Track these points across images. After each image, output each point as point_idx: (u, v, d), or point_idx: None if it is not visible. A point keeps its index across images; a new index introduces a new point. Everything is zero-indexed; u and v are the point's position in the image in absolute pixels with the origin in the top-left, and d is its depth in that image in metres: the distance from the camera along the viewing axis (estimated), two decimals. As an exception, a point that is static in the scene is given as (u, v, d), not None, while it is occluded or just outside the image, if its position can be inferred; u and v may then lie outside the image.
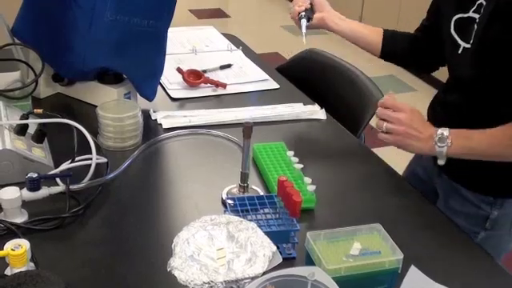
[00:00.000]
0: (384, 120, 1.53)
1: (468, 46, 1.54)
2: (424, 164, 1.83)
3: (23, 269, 1.09)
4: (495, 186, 1.63)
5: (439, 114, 1.70)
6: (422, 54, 1.85)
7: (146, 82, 1.84)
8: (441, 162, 1.50)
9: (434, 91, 1.79)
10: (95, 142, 1.49)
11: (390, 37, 1.90)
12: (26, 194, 1.31)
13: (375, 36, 1.91)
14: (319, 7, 1.93)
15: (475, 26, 1.52)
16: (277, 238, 1.17)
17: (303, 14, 1.90)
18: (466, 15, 1.55)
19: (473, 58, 1.54)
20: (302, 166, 1.54)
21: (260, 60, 2.36)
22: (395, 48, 1.90)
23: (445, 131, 1.47)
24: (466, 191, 1.66)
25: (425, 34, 1.83)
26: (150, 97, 1.86)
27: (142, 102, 1.84)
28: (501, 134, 1.46)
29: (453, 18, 1.60)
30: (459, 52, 1.57)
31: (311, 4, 1.93)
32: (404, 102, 1.53)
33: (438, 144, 1.47)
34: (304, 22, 1.90)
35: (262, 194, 1.45)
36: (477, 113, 1.58)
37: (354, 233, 1.21)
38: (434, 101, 1.77)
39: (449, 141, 1.47)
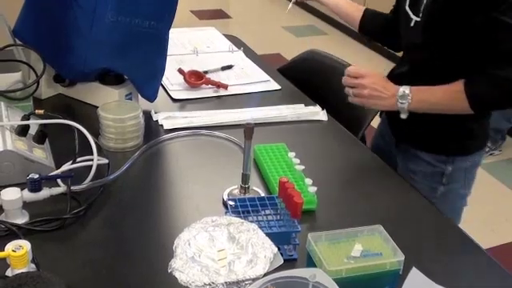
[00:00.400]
0: (350, 87, 1.74)
1: (418, 19, 1.74)
2: (385, 137, 2.01)
3: (24, 270, 1.09)
4: (446, 145, 1.83)
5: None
6: (391, 32, 2.00)
7: (148, 82, 1.84)
8: (403, 116, 1.71)
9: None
10: (96, 143, 1.49)
11: (369, 15, 2.11)
12: (27, 194, 1.31)
13: (357, 13, 2.12)
14: None
15: (424, 1, 1.72)
16: (278, 239, 1.17)
17: None
18: None
19: (423, 30, 1.74)
20: (303, 167, 1.54)
21: (261, 61, 2.36)
22: (371, 26, 2.12)
23: (406, 89, 1.68)
24: (421, 153, 1.85)
25: (394, 14, 2.01)
26: (151, 98, 1.86)
27: (143, 103, 1.84)
28: (454, 89, 1.66)
29: None
30: (411, 25, 1.76)
31: None
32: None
33: (400, 101, 1.68)
34: None
35: (263, 195, 1.45)
36: (425, 79, 1.74)
37: (355, 234, 1.21)
38: (389, 75, 1.90)
39: (409, 97, 1.67)
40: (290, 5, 1.95)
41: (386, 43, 2.18)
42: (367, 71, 1.72)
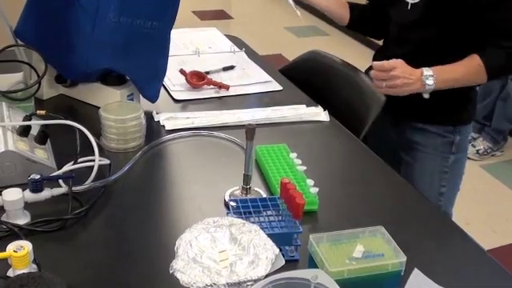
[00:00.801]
0: (382, 80, 1.85)
1: (416, 1, 1.91)
2: (383, 127, 2.16)
3: (25, 270, 1.09)
4: (451, 116, 2.03)
5: None
6: (372, 22, 2.22)
7: (149, 83, 1.84)
8: (426, 95, 1.86)
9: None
10: (98, 144, 1.49)
11: (356, 11, 2.22)
12: (29, 195, 1.31)
13: (344, 10, 2.23)
14: None
15: None
16: (279, 240, 1.17)
17: None
18: None
19: (424, 10, 1.91)
20: (304, 168, 1.54)
21: (263, 61, 2.36)
22: (359, 21, 2.24)
23: (428, 71, 1.83)
24: (429, 126, 2.04)
25: (371, 2, 2.22)
26: (152, 98, 1.85)
27: (145, 104, 1.84)
28: (473, 64, 1.86)
29: None
30: (408, 8, 1.93)
31: None
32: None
33: (427, 83, 1.82)
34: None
35: (264, 196, 1.45)
36: (429, 58, 1.91)
37: (356, 235, 1.21)
38: (378, 57, 2.04)
39: (434, 78, 1.82)
40: (293, 6, 2.03)
41: (369, 33, 2.38)
42: (394, 62, 1.83)
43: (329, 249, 1.17)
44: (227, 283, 1.03)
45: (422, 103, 1.90)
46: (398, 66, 1.82)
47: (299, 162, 1.57)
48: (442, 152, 2.06)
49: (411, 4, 1.93)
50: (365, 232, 1.21)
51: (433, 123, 2.05)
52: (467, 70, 1.87)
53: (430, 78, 1.82)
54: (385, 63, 1.83)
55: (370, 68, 1.95)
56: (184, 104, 1.96)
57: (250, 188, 1.43)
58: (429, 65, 1.86)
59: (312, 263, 1.17)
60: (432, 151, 2.06)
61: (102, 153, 1.53)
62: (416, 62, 1.87)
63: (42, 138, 1.52)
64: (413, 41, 2.00)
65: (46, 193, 1.33)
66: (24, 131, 1.49)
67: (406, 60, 1.86)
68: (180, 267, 1.06)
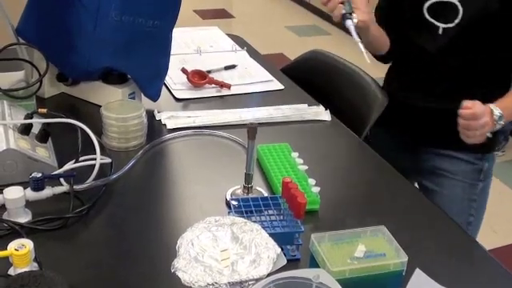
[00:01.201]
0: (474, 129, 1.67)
1: (451, 25, 1.79)
2: (389, 141, 2.07)
3: (27, 269, 1.09)
4: (481, 144, 1.80)
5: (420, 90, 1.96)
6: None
7: (151, 82, 1.84)
8: (489, 134, 1.71)
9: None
10: (99, 142, 1.49)
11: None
12: (30, 193, 1.31)
13: (384, 39, 2.02)
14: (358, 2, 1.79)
15: (459, 7, 1.77)
16: (281, 239, 1.17)
17: (345, 11, 1.72)
18: (437, 0, 1.81)
19: (461, 35, 1.80)
20: (306, 167, 1.54)
21: (264, 61, 2.36)
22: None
23: (496, 109, 1.68)
24: (457, 153, 1.93)
25: (385, 23, 1.98)
26: (154, 97, 1.85)
27: (147, 103, 1.84)
28: None
29: (424, 5, 1.83)
30: (439, 33, 1.81)
31: None
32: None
33: (499, 122, 1.69)
34: (350, 24, 1.74)
35: (266, 195, 1.45)
36: (471, 87, 1.84)
37: (358, 235, 1.20)
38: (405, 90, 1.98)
39: (503, 116, 1.69)
40: (363, 49, 1.72)
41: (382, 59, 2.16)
42: (479, 108, 1.64)
43: (330, 248, 1.17)
44: (229, 282, 1.03)
45: (452, 130, 1.72)
46: (482, 112, 1.65)
47: (301, 161, 1.57)
48: (471, 179, 1.96)
49: (443, 28, 1.81)
50: (366, 232, 1.21)
51: (462, 150, 1.93)
52: None
53: (501, 117, 1.69)
54: (477, 111, 1.64)
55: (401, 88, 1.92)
56: (185, 103, 1.96)
57: (251, 187, 1.43)
58: (471, 96, 1.69)
59: (313, 263, 1.16)
60: (461, 178, 1.95)
61: (104, 151, 1.52)
62: (456, 93, 1.73)
63: (43, 137, 1.51)
64: (448, 69, 1.88)
65: (48, 191, 1.33)
66: (25, 129, 1.49)
67: (444, 92, 1.80)
68: (181, 266, 1.06)
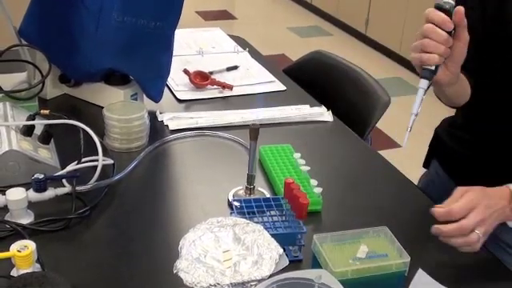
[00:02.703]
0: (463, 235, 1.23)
1: None
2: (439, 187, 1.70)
3: (29, 270, 1.09)
4: None
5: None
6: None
7: (153, 83, 1.84)
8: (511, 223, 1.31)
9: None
10: (102, 143, 1.49)
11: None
12: (33, 194, 1.31)
13: (466, 85, 1.50)
14: (454, 60, 1.30)
15: None
16: (283, 240, 1.17)
17: (428, 71, 1.26)
18: None
19: None
20: (308, 168, 1.54)
21: (266, 62, 2.36)
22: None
23: None
24: None
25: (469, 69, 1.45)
26: (156, 98, 1.86)
27: (149, 104, 1.84)
28: None
29: None
30: None
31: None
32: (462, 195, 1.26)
33: None
34: (423, 87, 1.27)
35: (268, 196, 1.45)
36: None
37: (360, 235, 1.20)
38: (474, 132, 1.58)
39: None
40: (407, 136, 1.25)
41: None
42: (468, 198, 1.23)
43: (332, 249, 1.17)
44: (231, 283, 1.03)
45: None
46: (473, 204, 1.22)
47: (303, 162, 1.57)
48: None
49: None
50: (368, 232, 1.21)
51: None
52: None
53: None
54: (453, 210, 1.22)
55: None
56: (188, 104, 1.96)
57: (253, 188, 1.43)
58: None
59: (316, 263, 1.16)
60: None
61: (106, 152, 1.52)
62: None
63: (45, 138, 1.52)
64: None
65: (50, 192, 1.33)
66: (28, 131, 1.49)
67: (507, 151, 1.43)
68: (184, 267, 1.05)
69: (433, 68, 1.25)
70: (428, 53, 1.23)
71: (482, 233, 1.21)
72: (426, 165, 1.83)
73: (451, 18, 1.22)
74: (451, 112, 1.70)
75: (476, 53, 1.37)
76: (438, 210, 1.23)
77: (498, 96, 1.49)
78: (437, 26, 1.21)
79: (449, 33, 1.22)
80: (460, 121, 1.67)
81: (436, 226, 1.22)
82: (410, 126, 1.26)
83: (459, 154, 1.63)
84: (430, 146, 1.78)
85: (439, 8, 1.22)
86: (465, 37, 1.25)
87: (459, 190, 1.26)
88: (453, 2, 1.22)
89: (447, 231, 1.19)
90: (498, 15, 1.44)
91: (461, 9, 1.21)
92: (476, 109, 1.53)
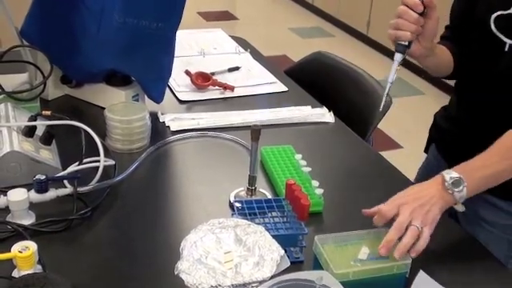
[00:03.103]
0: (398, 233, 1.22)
1: None
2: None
3: (30, 271, 1.09)
4: None
5: (472, 119, 1.63)
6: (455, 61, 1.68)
7: (154, 84, 1.84)
8: (462, 208, 1.31)
9: (443, 94, 1.77)
10: (103, 144, 1.49)
11: (455, 55, 1.67)
12: (34, 195, 1.31)
13: (447, 58, 1.66)
14: (426, 37, 1.46)
15: None
16: (284, 241, 1.17)
17: (402, 46, 1.43)
18: (506, 12, 1.50)
19: None
20: (309, 169, 1.54)
21: (268, 63, 2.36)
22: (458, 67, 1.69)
23: (450, 173, 1.29)
24: (499, 201, 1.57)
25: (454, 40, 1.69)
26: (158, 99, 1.86)
27: (150, 105, 1.84)
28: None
29: (491, 16, 1.52)
30: (506, 50, 1.51)
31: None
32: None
33: (455, 190, 1.27)
34: (398, 60, 1.43)
35: (269, 197, 1.45)
36: None
37: (362, 237, 1.20)
38: (464, 107, 1.66)
39: (461, 177, 1.28)
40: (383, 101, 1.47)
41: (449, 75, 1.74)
42: (393, 197, 1.30)
43: (334, 250, 1.17)
44: (232, 284, 1.03)
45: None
46: (401, 201, 1.27)
47: (304, 163, 1.57)
48: (510, 235, 1.59)
49: (510, 45, 1.49)
50: (370, 233, 1.21)
51: (504, 199, 1.57)
52: (501, 156, 1.35)
53: (457, 182, 1.28)
54: (381, 215, 1.27)
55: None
56: (189, 105, 1.96)
57: (255, 189, 1.43)
58: None
59: (317, 264, 1.16)
60: (500, 233, 1.59)
61: (107, 153, 1.52)
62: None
63: (47, 139, 1.52)
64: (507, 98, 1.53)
65: (51, 193, 1.33)
66: (29, 132, 1.49)
67: (502, 122, 1.42)
68: (185, 268, 1.05)
69: (406, 43, 1.42)
70: (402, 30, 1.41)
71: (420, 224, 1.22)
72: (426, 150, 1.89)
73: (423, 1, 1.39)
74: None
75: (454, 25, 1.70)
76: (366, 210, 1.31)
77: (478, 65, 1.61)
78: (409, 8, 1.40)
79: (420, 14, 1.40)
80: (453, 98, 1.76)
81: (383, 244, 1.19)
82: (386, 92, 1.45)
83: (452, 135, 1.70)
84: (429, 132, 1.85)
85: None
86: (435, 16, 1.42)
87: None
88: None
89: (389, 236, 1.19)
90: None
91: None
92: (463, 78, 1.70)
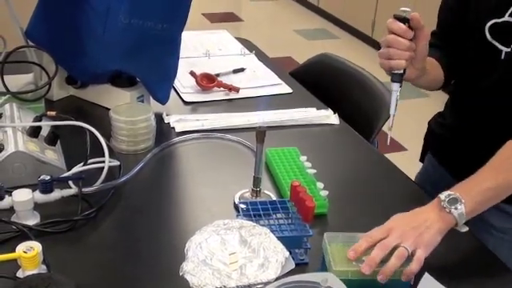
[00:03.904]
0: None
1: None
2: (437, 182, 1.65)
3: (35, 271, 1.09)
4: None
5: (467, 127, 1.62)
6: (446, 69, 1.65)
7: (160, 85, 1.84)
8: (465, 228, 1.26)
9: (447, 97, 1.76)
10: (108, 145, 1.49)
11: (444, 66, 1.64)
12: (39, 196, 1.31)
13: (437, 71, 1.63)
14: (418, 59, 1.42)
15: None
16: (289, 243, 1.17)
17: (397, 75, 1.38)
18: (500, 20, 1.47)
19: None
20: (314, 171, 1.53)
21: (273, 64, 2.36)
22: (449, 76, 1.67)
23: (445, 193, 1.25)
24: (508, 207, 1.54)
25: (443, 48, 1.65)
26: (163, 100, 1.86)
27: (155, 106, 1.84)
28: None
29: (486, 24, 1.49)
30: (502, 57, 1.48)
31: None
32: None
33: (452, 207, 1.22)
34: (396, 90, 1.38)
35: (274, 198, 1.45)
36: None
37: None
38: (460, 113, 1.64)
39: (457, 194, 1.24)
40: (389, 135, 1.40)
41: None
42: (385, 223, 1.24)
43: (341, 249, 1.17)
44: (237, 286, 1.03)
45: None
46: (392, 225, 1.22)
47: (309, 164, 1.56)
48: None
49: (505, 52, 1.46)
50: None
51: None
52: (498, 169, 1.30)
53: (453, 199, 1.23)
54: (372, 235, 1.20)
55: None
56: (194, 106, 1.96)
57: (259, 190, 1.43)
58: None
59: (323, 266, 1.17)
60: (509, 238, 1.57)
61: (112, 154, 1.52)
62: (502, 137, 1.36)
63: (52, 139, 1.52)
64: (508, 104, 1.50)
65: (56, 194, 1.33)
66: (34, 132, 1.49)
67: (500, 131, 1.38)
68: (190, 269, 1.05)
69: (401, 71, 1.38)
70: (395, 60, 1.36)
71: (410, 245, 1.16)
72: (422, 159, 1.86)
73: (410, 25, 1.34)
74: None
75: (444, 33, 1.65)
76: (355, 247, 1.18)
77: (474, 72, 1.58)
78: (398, 35, 1.34)
79: (411, 39, 1.35)
80: (449, 110, 1.73)
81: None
82: (391, 125, 1.39)
83: (448, 141, 1.69)
84: (424, 140, 1.83)
85: (398, 18, 1.34)
86: (424, 36, 1.37)
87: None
88: (409, 10, 1.33)
89: (373, 254, 1.15)
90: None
91: (416, 15, 1.33)
92: (458, 85, 1.68)
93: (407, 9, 1.33)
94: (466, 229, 1.26)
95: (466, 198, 1.23)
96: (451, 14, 1.64)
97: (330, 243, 1.17)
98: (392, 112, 1.38)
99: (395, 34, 1.35)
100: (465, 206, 1.22)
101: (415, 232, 1.19)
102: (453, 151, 1.69)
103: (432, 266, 1.22)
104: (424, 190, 1.59)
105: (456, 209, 1.22)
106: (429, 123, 1.81)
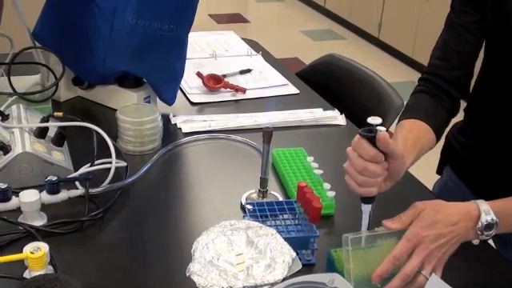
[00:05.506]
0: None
1: None
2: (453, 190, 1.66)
3: (42, 272, 1.09)
4: None
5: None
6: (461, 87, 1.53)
7: (166, 86, 1.84)
8: (477, 241, 1.22)
9: (463, 104, 1.72)
10: (115, 146, 1.49)
11: (438, 126, 1.47)
12: (46, 197, 1.31)
13: (430, 137, 1.44)
14: (391, 178, 1.24)
15: None
16: (296, 244, 1.17)
17: (369, 198, 1.21)
18: None
19: None
20: (321, 171, 1.53)
21: (280, 65, 2.36)
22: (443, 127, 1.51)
23: (487, 215, 1.15)
24: None
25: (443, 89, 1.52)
26: (169, 101, 1.86)
27: (162, 106, 1.84)
28: None
29: None
30: None
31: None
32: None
33: (485, 233, 1.16)
34: (367, 211, 1.21)
35: (281, 199, 1.44)
36: None
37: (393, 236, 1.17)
38: (481, 134, 1.56)
39: (496, 219, 1.16)
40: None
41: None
42: (405, 237, 1.15)
43: (361, 257, 1.12)
44: (244, 287, 1.03)
45: None
46: (415, 243, 1.13)
47: (316, 165, 1.56)
48: None
49: None
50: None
51: None
52: None
53: (490, 225, 1.15)
54: (404, 271, 1.11)
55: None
56: (201, 107, 1.96)
57: (266, 191, 1.43)
58: None
59: (330, 266, 1.16)
60: None
61: (119, 155, 1.53)
62: None
63: (59, 140, 1.52)
64: None
65: (63, 194, 1.34)
66: (41, 133, 1.49)
67: None
68: (197, 270, 1.05)
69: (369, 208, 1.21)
70: (366, 188, 1.18)
71: (430, 270, 1.12)
72: (439, 171, 1.81)
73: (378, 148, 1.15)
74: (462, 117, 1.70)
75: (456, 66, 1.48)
76: (387, 222, 1.18)
77: (502, 97, 1.46)
78: (369, 160, 1.15)
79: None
80: (469, 129, 1.63)
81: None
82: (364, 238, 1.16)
83: (472, 162, 1.61)
84: (442, 153, 1.76)
85: (365, 136, 1.16)
86: (397, 155, 1.17)
87: (413, 206, 1.20)
88: (379, 121, 1.15)
89: (392, 284, 1.10)
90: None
91: (382, 136, 1.13)
92: (481, 112, 1.55)
93: (377, 120, 1.14)
94: (477, 242, 1.22)
95: (501, 223, 1.16)
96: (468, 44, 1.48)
97: (354, 249, 1.11)
98: (364, 229, 1.19)
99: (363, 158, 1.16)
100: (495, 231, 1.17)
101: (439, 251, 1.13)
102: (475, 170, 1.60)
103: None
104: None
105: (487, 236, 1.16)
106: (447, 137, 1.71)
